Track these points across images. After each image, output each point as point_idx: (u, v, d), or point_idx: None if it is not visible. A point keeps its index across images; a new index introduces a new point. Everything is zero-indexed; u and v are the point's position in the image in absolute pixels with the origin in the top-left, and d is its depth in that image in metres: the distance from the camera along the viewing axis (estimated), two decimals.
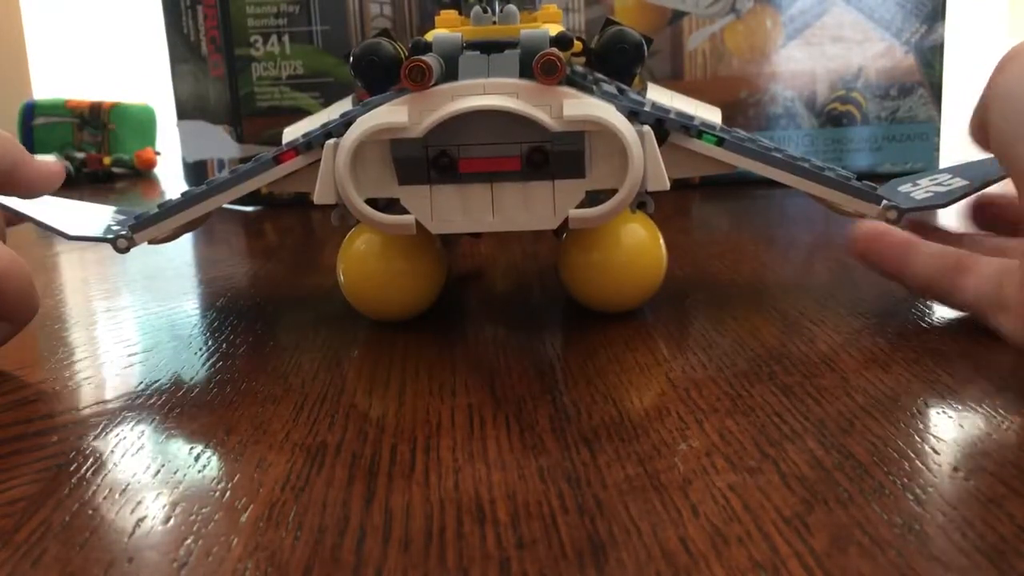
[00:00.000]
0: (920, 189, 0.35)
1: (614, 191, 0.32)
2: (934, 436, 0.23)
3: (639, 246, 0.34)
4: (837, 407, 0.25)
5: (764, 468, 0.22)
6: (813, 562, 0.18)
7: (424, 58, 0.30)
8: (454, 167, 0.31)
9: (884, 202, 0.33)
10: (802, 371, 0.28)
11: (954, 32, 0.68)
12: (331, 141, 0.31)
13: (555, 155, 0.31)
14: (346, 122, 0.32)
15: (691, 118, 0.33)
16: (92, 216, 0.37)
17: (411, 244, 0.34)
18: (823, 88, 0.67)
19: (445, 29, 0.36)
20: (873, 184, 0.34)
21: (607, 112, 0.30)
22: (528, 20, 0.36)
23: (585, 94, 0.31)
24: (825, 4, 0.66)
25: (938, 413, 0.24)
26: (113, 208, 0.38)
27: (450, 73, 0.31)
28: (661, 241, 0.34)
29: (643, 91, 0.35)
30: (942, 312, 0.33)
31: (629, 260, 0.34)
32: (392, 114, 0.30)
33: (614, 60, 0.34)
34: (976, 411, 0.24)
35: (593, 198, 0.32)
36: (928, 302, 0.35)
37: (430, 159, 0.31)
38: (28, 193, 0.35)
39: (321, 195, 0.31)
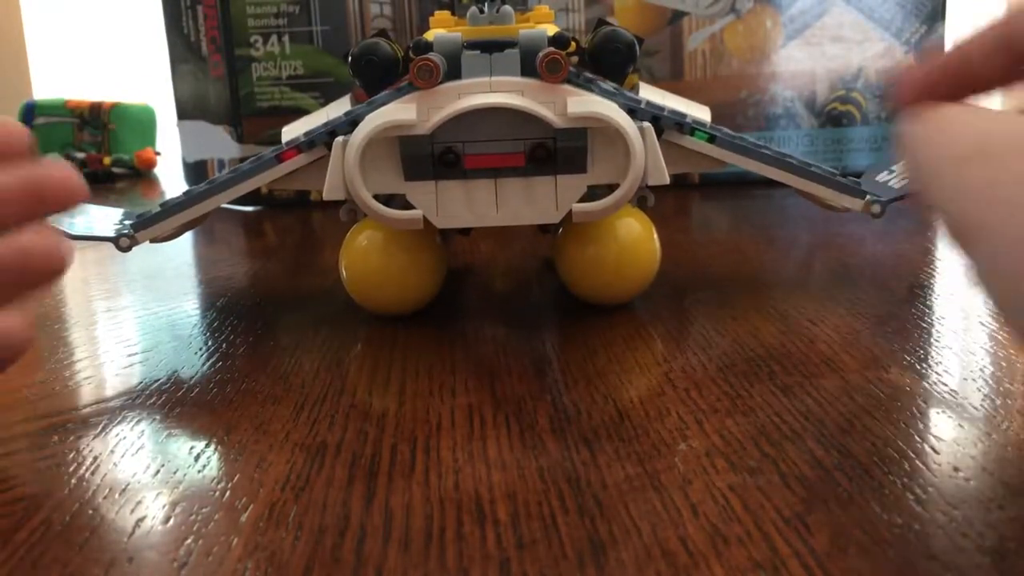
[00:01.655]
0: (896, 176, 0.37)
1: (612, 186, 0.32)
2: (934, 436, 0.23)
3: (634, 240, 0.34)
4: (837, 407, 0.25)
5: (764, 468, 0.22)
6: (813, 562, 0.18)
7: (432, 57, 0.31)
8: (459, 163, 0.31)
9: (868, 196, 0.34)
10: (802, 371, 0.28)
11: (954, 32, 0.68)
12: (340, 139, 0.32)
13: (559, 151, 0.31)
14: (351, 120, 0.32)
15: (683, 116, 0.33)
16: (96, 216, 0.37)
17: (412, 239, 0.34)
18: (823, 88, 0.67)
19: (442, 29, 0.36)
20: (857, 180, 0.35)
21: (610, 109, 0.31)
22: (521, 20, 0.37)
23: (586, 92, 0.31)
24: (825, 4, 0.66)
25: (938, 413, 0.24)
26: (120, 209, 0.38)
27: (452, 72, 0.32)
28: (655, 235, 0.35)
29: (635, 90, 0.36)
30: (942, 312, 0.33)
31: (624, 254, 0.34)
32: (401, 112, 0.31)
33: (608, 60, 0.34)
34: (976, 411, 0.24)
35: (590, 193, 0.32)
36: (928, 302, 0.35)
37: (436, 155, 0.31)
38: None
39: (331, 191, 0.32)
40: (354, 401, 0.27)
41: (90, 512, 0.21)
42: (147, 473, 0.23)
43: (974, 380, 0.27)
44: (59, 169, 0.24)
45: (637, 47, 0.35)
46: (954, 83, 0.22)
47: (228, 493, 0.22)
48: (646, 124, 0.32)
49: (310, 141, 0.33)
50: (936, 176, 0.19)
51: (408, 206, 0.32)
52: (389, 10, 0.65)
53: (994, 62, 0.22)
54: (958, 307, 0.34)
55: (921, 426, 0.23)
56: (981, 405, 0.25)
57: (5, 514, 0.21)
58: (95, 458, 0.24)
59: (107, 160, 0.92)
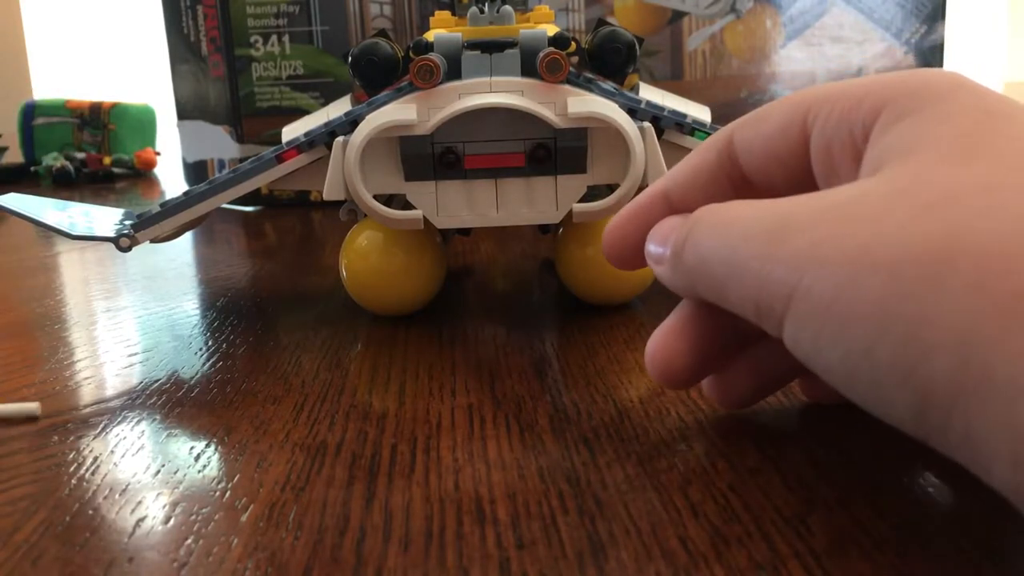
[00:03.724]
0: None
1: (612, 186, 0.32)
2: None
3: None
4: (837, 406, 0.25)
5: (764, 468, 0.22)
6: (813, 562, 0.18)
7: (432, 57, 0.31)
8: (460, 163, 0.31)
9: None
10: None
11: (954, 32, 0.68)
12: (340, 139, 0.32)
13: (559, 151, 0.31)
14: (351, 120, 0.32)
15: (683, 116, 0.33)
16: (96, 217, 0.37)
17: (412, 239, 0.34)
18: None
19: (442, 29, 0.36)
20: None
21: (610, 109, 0.31)
22: (521, 21, 0.37)
23: (586, 92, 0.31)
24: (825, 4, 0.66)
25: None
26: (121, 210, 0.38)
27: (452, 72, 0.32)
28: None
29: (635, 90, 0.36)
30: None
31: None
32: (401, 112, 0.31)
33: (608, 60, 0.34)
34: None
35: (590, 193, 0.33)
36: None
37: (436, 156, 0.31)
38: None
39: (331, 191, 0.32)
40: (354, 401, 0.27)
41: (90, 512, 0.21)
42: (147, 473, 0.23)
43: None
44: None
45: (637, 47, 0.35)
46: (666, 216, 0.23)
47: (228, 493, 0.22)
48: (646, 124, 0.32)
49: (310, 141, 0.33)
50: (738, 258, 0.19)
51: (408, 206, 0.32)
52: (389, 10, 0.65)
53: (710, 189, 0.23)
54: None
55: None
56: None
57: (5, 514, 0.21)
58: (95, 458, 0.24)
59: (107, 160, 0.92)
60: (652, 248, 0.23)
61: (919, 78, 0.19)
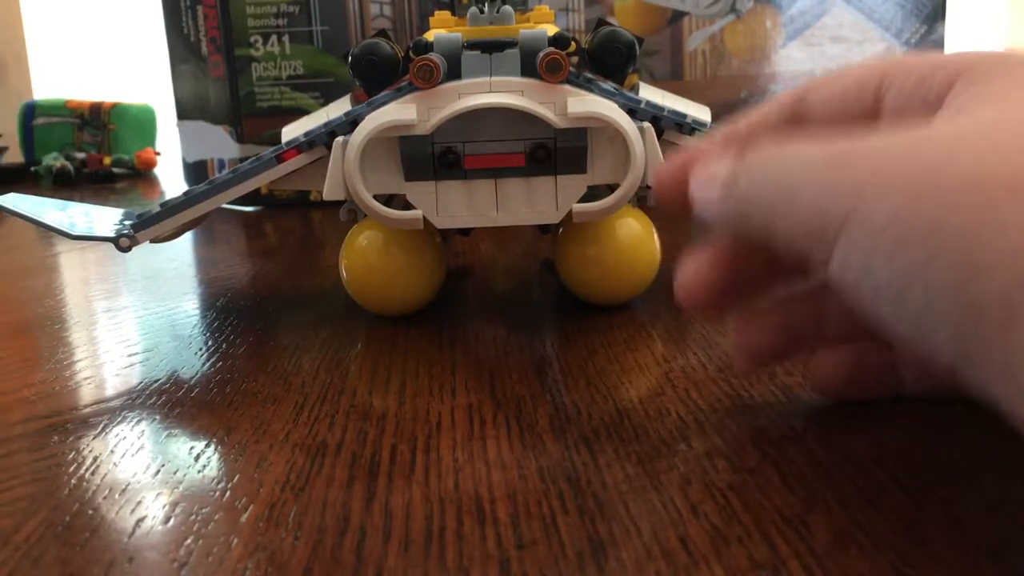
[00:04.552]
0: None
1: (612, 186, 0.32)
2: (935, 436, 0.23)
3: (634, 240, 0.34)
4: (837, 407, 0.25)
5: (764, 468, 0.22)
6: (813, 562, 0.18)
7: (432, 57, 0.31)
8: (460, 163, 0.31)
9: None
10: (802, 371, 0.28)
11: (954, 32, 0.68)
12: (340, 139, 0.32)
13: (559, 151, 0.31)
14: (351, 120, 0.32)
15: (683, 116, 0.33)
16: (96, 217, 0.37)
17: (413, 239, 0.34)
18: None
19: (442, 29, 0.36)
20: None
21: (610, 109, 0.31)
22: (521, 21, 0.37)
23: (586, 92, 0.32)
24: (825, 4, 0.66)
25: (939, 414, 0.24)
26: (121, 210, 0.38)
27: (452, 72, 0.32)
28: (655, 235, 0.35)
29: (635, 90, 0.36)
30: None
31: (624, 254, 0.34)
32: (401, 112, 0.31)
33: (608, 60, 0.34)
34: (977, 412, 0.24)
35: (590, 193, 0.33)
36: None
37: (436, 156, 0.31)
38: None
39: (330, 191, 0.32)
40: (354, 401, 0.27)
41: (90, 512, 0.21)
42: (147, 473, 0.23)
43: None
44: None
45: (637, 47, 0.35)
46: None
47: (228, 493, 0.22)
48: (646, 124, 0.32)
49: (310, 141, 0.33)
50: (796, 182, 0.19)
51: (408, 206, 0.32)
52: (389, 10, 0.65)
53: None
54: None
55: (922, 426, 0.23)
56: (982, 406, 0.25)
57: (5, 514, 0.21)
58: (95, 458, 0.24)
59: (107, 160, 0.92)
60: (700, 178, 0.22)
61: (994, 54, 0.20)
